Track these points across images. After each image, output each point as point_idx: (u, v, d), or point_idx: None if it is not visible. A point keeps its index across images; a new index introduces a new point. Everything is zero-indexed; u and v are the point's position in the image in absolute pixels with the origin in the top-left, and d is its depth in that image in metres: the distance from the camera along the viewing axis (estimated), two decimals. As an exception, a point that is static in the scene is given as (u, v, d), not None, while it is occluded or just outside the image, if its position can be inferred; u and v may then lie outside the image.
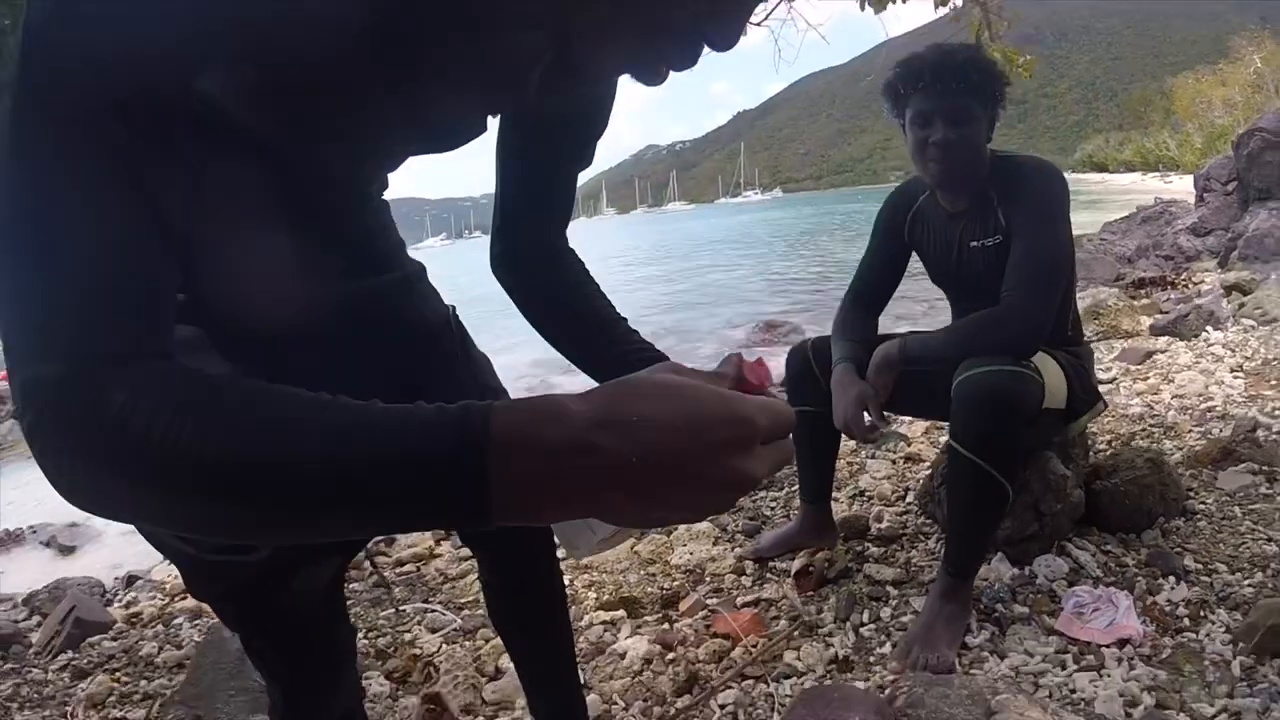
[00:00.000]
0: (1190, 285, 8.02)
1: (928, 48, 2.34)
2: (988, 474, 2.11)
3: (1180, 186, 22.10)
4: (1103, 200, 30.01)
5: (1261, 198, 9.80)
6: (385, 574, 3.10)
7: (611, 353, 1.23)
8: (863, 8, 4.95)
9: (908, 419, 3.90)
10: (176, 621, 2.99)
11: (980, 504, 2.18)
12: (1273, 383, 4.11)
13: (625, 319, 1.30)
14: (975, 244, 2.41)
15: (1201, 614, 2.21)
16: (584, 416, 0.59)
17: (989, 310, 2.21)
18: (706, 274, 18.79)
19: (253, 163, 0.84)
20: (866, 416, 2.36)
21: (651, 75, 0.76)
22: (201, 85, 0.67)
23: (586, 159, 1.23)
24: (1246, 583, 2.32)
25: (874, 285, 2.70)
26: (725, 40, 0.73)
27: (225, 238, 0.86)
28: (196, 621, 2.95)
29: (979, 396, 2.09)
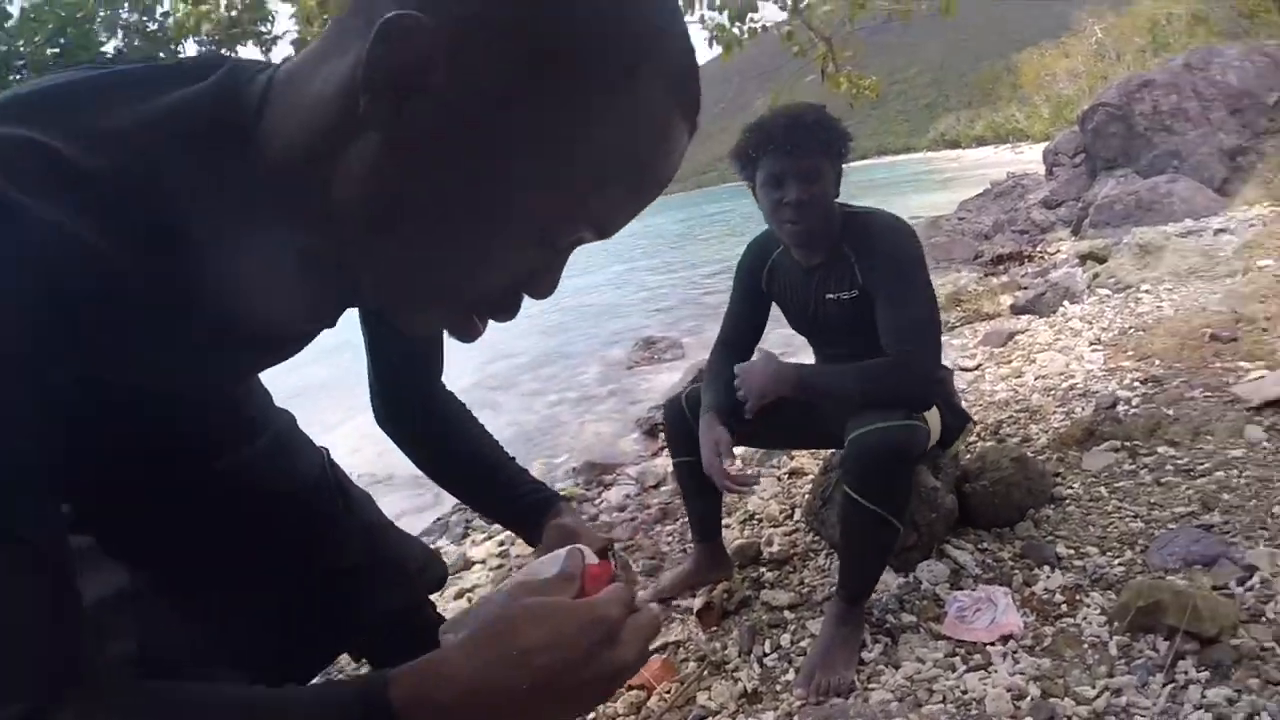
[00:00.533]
0: (1046, 257, 8.36)
1: (775, 112, 2.40)
2: (883, 519, 2.19)
3: (1031, 157, 22.95)
4: (958, 178, 30.98)
5: (1108, 167, 10.27)
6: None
7: (503, 498, 1.30)
8: (711, 45, 5.07)
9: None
10: None
11: (876, 544, 2.26)
12: (1129, 352, 4.32)
13: (513, 459, 1.35)
14: (831, 296, 2.48)
15: (1077, 599, 2.33)
16: (470, 667, 0.67)
17: (885, 362, 2.26)
18: (582, 293, 18.74)
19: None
20: (732, 463, 2.41)
21: (466, 335, 0.77)
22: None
23: None
24: (1117, 562, 2.45)
25: (740, 334, 2.75)
26: (544, 293, 0.76)
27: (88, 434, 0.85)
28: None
29: (876, 452, 2.16)
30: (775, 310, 2.75)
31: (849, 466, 2.22)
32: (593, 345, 10.79)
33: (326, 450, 1.39)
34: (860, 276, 2.39)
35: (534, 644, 0.68)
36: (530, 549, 1.27)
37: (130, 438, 0.97)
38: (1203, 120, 9.36)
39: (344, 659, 2.96)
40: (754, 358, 2.49)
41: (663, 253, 25.81)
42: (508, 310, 0.75)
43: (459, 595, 3.29)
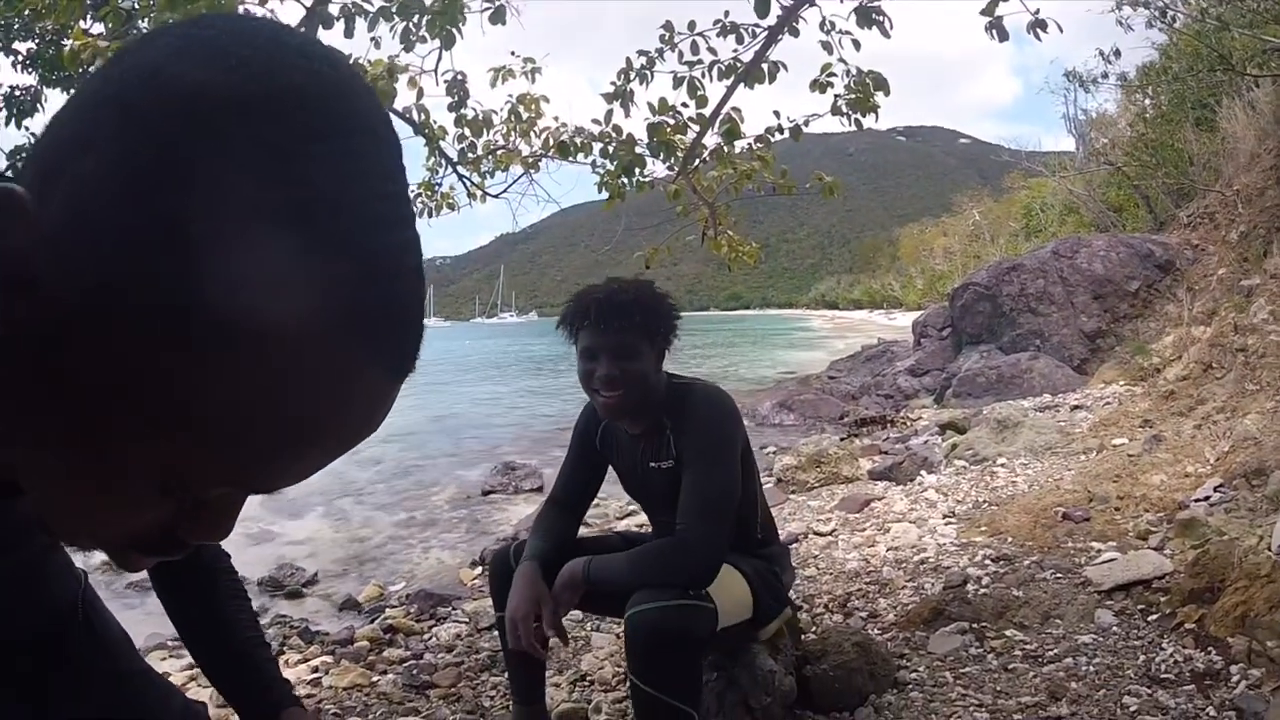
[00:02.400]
0: (909, 423, 8.57)
1: (603, 283, 2.40)
2: (668, 704, 2.06)
3: (903, 323, 24.05)
4: (832, 338, 32.15)
5: (973, 341, 10.74)
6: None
7: (241, 685, 1.31)
8: (599, 190, 5.13)
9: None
10: None
11: None
12: (982, 527, 4.32)
13: (264, 643, 1.35)
14: (654, 465, 2.44)
15: (914, 801, 2.17)
16: None
17: (665, 541, 2.25)
18: (451, 404, 18.62)
19: None
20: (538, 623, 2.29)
21: (127, 566, 0.61)
22: None
23: None
24: (957, 760, 2.31)
25: (573, 492, 2.68)
26: (211, 540, 0.58)
27: None
28: None
29: (647, 632, 2.07)
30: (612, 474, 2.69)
31: (626, 649, 2.14)
32: (452, 464, 10.63)
33: (85, 575, 1.27)
34: (674, 447, 2.38)
35: None
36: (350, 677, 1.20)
37: None
38: (1066, 304, 9.89)
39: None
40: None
41: (539, 377, 25.94)
42: (166, 551, 0.57)
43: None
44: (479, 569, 5.40)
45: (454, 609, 4.44)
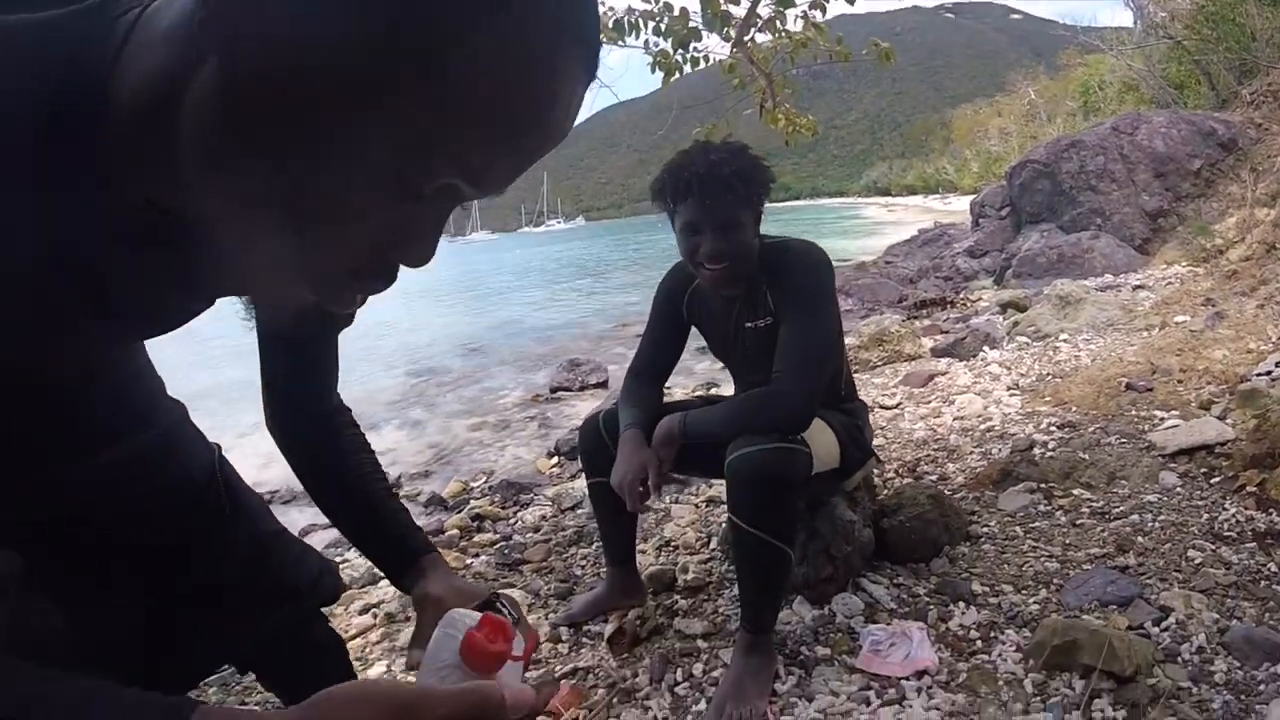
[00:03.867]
0: (969, 304, 8.51)
1: (695, 151, 2.36)
2: (769, 544, 2.17)
3: (958, 208, 23.55)
4: (887, 223, 31.58)
5: (1033, 221, 10.56)
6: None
7: (375, 535, 1.26)
8: (653, 71, 5.07)
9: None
10: None
11: (767, 570, 2.24)
12: (1047, 398, 4.38)
13: (396, 495, 1.30)
14: (749, 325, 2.48)
15: (992, 635, 2.32)
16: None
17: (760, 391, 2.27)
18: (510, 309, 18.71)
19: None
20: (644, 485, 2.37)
21: (341, 307, 0.71)
22: None
23: (341, 322, 1.19)
24: (1032, 600, 2.45)
25: (655, 361, 2.73)
26: (420, 261, 0.67)
27: None
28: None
29: (749, 475, 2.16)
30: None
31: (728, 492, 2.22)
32: (517, 368, 10.78)
33: (219, 448, 1.32)
34: (772, 303, 2.41)
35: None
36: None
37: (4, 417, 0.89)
38: (1127, 182, 9.66)
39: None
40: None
41: (592, 280, 25.90)
42: (378, 278, 0.66)
43: (364, 610, 3.17)
44: (555, 458, 5.58)
45: (535, 495, 4.59)
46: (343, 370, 1.27)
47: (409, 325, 17.31)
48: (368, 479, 1.27)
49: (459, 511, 4.56)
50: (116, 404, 1.09)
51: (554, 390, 8.53)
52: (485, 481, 5.47)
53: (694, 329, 2.72)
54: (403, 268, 0.67)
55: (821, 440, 2.34)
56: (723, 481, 2.24)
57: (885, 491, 3.11)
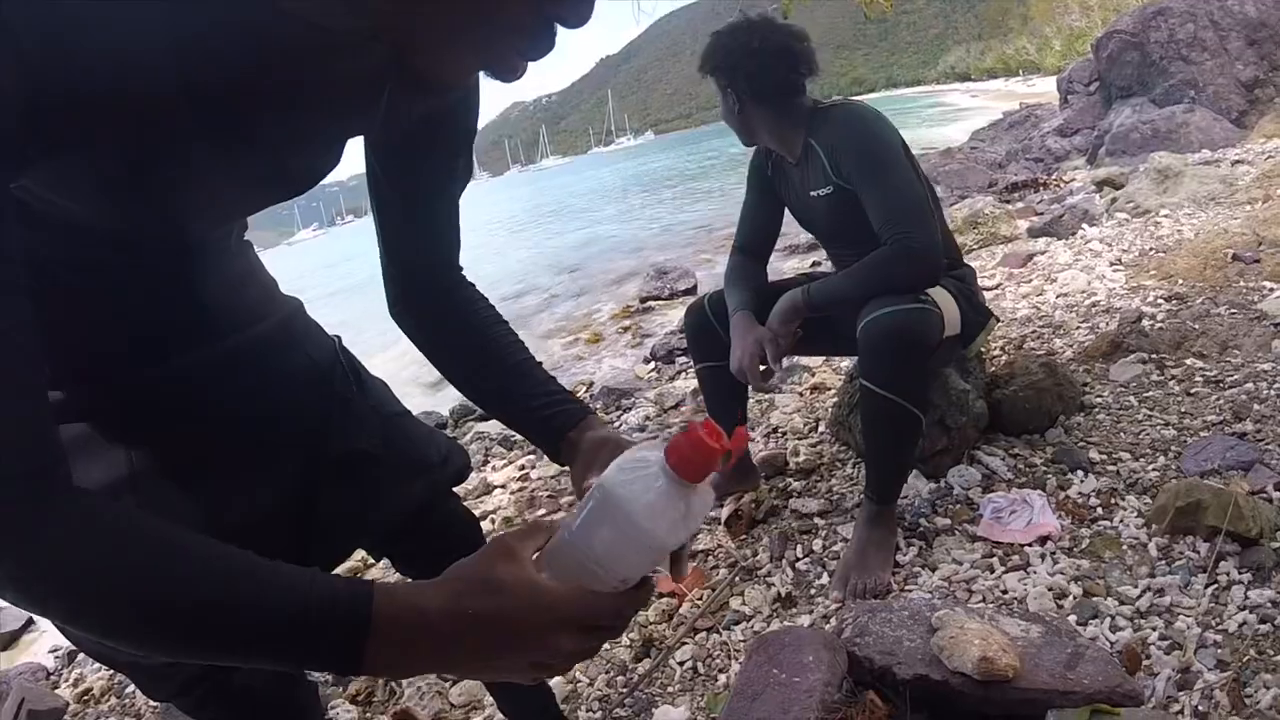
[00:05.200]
0: (1062, 185, 8.27)
1: (728, 31, 2.47)
2: (902, 407, 2.17)
3: (1043, 89, 22.67)
4: (969, 109, 30.59)
5: (1124, 95, 10.13)
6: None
7: (526, 404, 1.17)
8: None
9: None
10: (128, 691, 2.89)
11: (897, 435, 2.24)
12: (1151, 272, 4.27)
13: (539, 363, 1.21)
14: (814, 194, 2.49)
15: (1113, 502, 2.32)
16: (435, 610, 0.74)
17: (881, 251, 2.23)
18: (590, 229, 18.71)
19: (92, 242, 0.86)
20: (762, 364, 2.40)
21: (507, 71, 0.75)
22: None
23: (462, 176, 1.18)
24: (1151, 468, 2.44)
25: (755, 236, 2.75)
26: (577, 17, 0.72)
27: (82, 313, 0.91)
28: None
29: (886, 336, 2.14)
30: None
31: (861, 357, 2.21)
32: (606, 283, 10.85)
33: (339, 338, 1.35)
34: (833, 172, 2.40)
35: (481, 610, 0.74)
36: (557, 466, 1.18)
37: (125, 307, 0.97)
38: (1219, 50, 9.19)
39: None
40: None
41: (668, 190, 25.70)
42: (541, 38, 0.72)
43: (482, 517, 3.29)
44: (652, 364, 5.65)
45: (637, 399, 4.66)
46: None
47: (494, 254, 17.47)
48: (513, 347, 1.21)
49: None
50: (233, 295, 1.14)
51: (644, 300, 8.59)
52: (586, 392, 5.56)
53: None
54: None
55: (944, 302, 2.31)
56: (826, 367, 2.25)
57: (997, 363, 3.09)
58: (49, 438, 0.67)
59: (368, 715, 2.31)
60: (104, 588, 0.66)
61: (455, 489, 1.47)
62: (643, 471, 0.77)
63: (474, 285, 1.25)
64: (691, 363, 3.03)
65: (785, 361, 2.55)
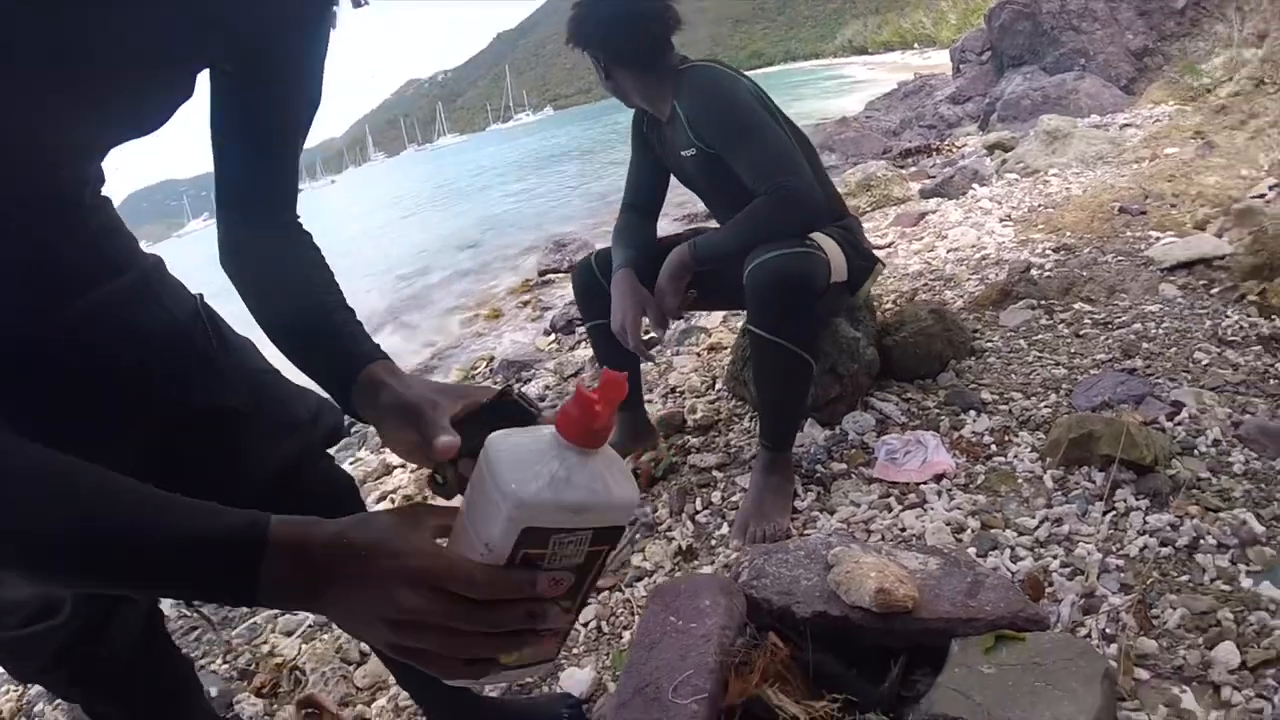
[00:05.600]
0: (954, 150, 8.42)
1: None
2: (790, 351, 2.16)
3: (938, 61, 23.05)
4: (866, 81, 31.07)
5: (1015, 64, 10.37)
6: (205, 608, 2.86)
7: (320, 346, 1.13)
8: None
9: (703, 313, 4.00)
10: (37, 709, 2.71)
11: (787, 379, 2.22)
12: (1040, 226, 4.35)
13: (352, 311, 1.16)
14: (683, 153, 2.48)
15: (1006, 439, 2.34)
16: (322, 533, 0.74)
17: (759, 200, 2.22)
18: (489, 206, 18.61)
19: None
20: (645, 324, 2.37)
21: None
22: None
23: (304, 125, 1.14)
24: (1043, 405, 2.47)
25: (641, 192, 2.73)
26: None
27: None
28: (57, 702, 2.68)
29: (772, 280, 2.12)
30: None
31: (749, 303, 2.19)
32: (505, 258, 10.76)
33: (201, 295, 1.28)
34: (694, 135, 2.40)
35: (369, 544, 0.73)
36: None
37: None
38: (1110, 20, 9.43)
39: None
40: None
41: (568, 165, 25.67)
42: None
43: (381, 498, 3.20)
44: (552, 335, 5.57)
45: (537, 370, 4.60)
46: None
47: (391, 234, 17.21)
48: (317, 289, 1.16)
49: (465, 397, 4.55)
50: (89, 250, 1.09)
51: (542, 274, 8.50)
52: (487, 366, 5.47)
53: None
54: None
55: (829, 248, 2.31)
56: (723, 327, 2.23)
57: (887, 309, 3.11)
58: None
59: (274, 707, 2.21)
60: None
61: (329, 449, 1.42)
62: (530, 430, 0.74)
63: (306, 232, 1.22)
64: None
65: (678, 324, 2.52)
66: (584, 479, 0.70)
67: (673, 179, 2.72)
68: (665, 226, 2.79)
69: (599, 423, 0.69)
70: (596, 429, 0.70)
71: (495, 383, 4.67)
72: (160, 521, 0.70)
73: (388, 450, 3.89)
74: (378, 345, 1.12)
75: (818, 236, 2.27)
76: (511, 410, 0.97)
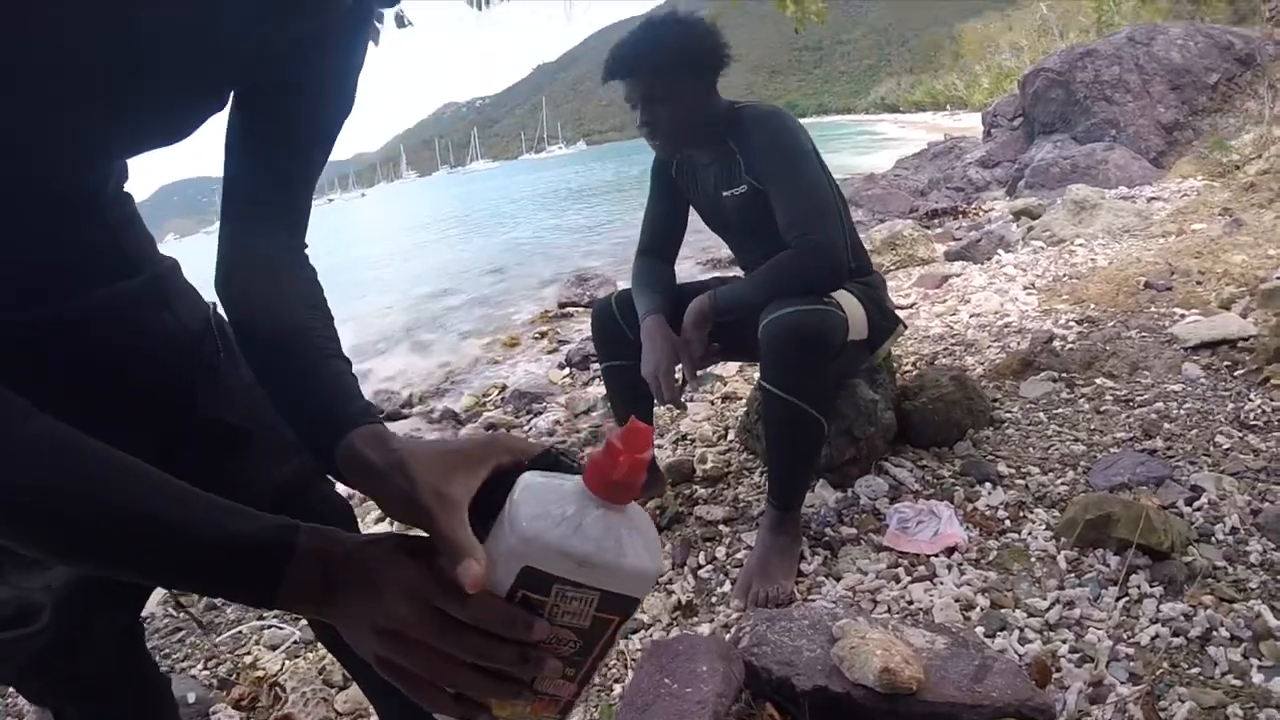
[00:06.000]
0: (981, 214, 8.41)
1: (632, 31, 2.37)
2: (802, 410, 2.11)
3: (969, 124, 23.20)
4: (896, 139, 31.24)
5: (1046, 131, 10.36)
6: (194, 609, 2.82)
7: (306, 398, 0.97)
8: None
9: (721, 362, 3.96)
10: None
11: (798, 439, 2.18)
12: (1064, 297, 4.31)
13: (345, 358, 1.01)
14: (726, 194, 2.44)
15: (1021, 514, 2.29)
16: (347, 543, 0.76)
17: (785, 253, 2.19)
18: (515, 233, 18.71)
19: None
20: (678, 373, 2.33)
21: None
22: None
23: (328, 142, 1.08)
24: (1060, 482, 2.41)
25: (660, 237, 2.69)
26: None
27: None
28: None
29: (786, 336, 2.08)
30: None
31: (762, 358, 2.15)
32: (527, 286, 10.79)
33: (215, 304, 1.23)
34: (746, 171, 2.36)
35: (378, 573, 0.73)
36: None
37: None
38: (1142, 93, 9.43)
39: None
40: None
41: (598, 200, 25.82)
42: None
43: (379, 520, 3.16)
44: (566, 370, 5.55)
45: (548, 404, 4.57)
46: (348, 301, 1.18)
47: (414, 254, 17.29)
48: (309, 333, 1.01)
49: (473, 424, 4.53)
50: (105, 247, 1.07)
51: (562, 306, 8.50)
52: (498, 395, 5.44)
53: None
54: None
55: (849, 306, 2.27)
56: (739, 377, 2.19)
57: (907, 374, 3.06)
58: None
59: (251, 720, 2.16)
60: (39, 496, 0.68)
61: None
62: (566, 477, 0.72)
63: (311, 268, 1.10)
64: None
65: (700, 379, 2.49)
66: (596, 532, 0.66)
67: (695, 223, 2.69)
68: (688, 270, 2.76)
69: (618, 473, 0.66)
70: (615, 480, 0.66)
71: (506, 411, 4.63)
72: (193, 515, 0.72)
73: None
74: (370, 405, 0.96)
75: (839, 294, 2.24)
76: (552, 466, 0.82)
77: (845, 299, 2.26)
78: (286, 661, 2.37)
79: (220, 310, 1.22)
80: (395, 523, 2.98)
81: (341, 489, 1.27)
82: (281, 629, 2.50)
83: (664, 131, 2.36)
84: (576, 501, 0.67)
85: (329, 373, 0.98)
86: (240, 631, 2.55)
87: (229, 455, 1.17)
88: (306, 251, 1.12)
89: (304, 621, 2.50)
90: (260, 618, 2.61)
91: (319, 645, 2.37)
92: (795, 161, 2.26)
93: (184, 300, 1.20)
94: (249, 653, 2.46)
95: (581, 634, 0.71)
